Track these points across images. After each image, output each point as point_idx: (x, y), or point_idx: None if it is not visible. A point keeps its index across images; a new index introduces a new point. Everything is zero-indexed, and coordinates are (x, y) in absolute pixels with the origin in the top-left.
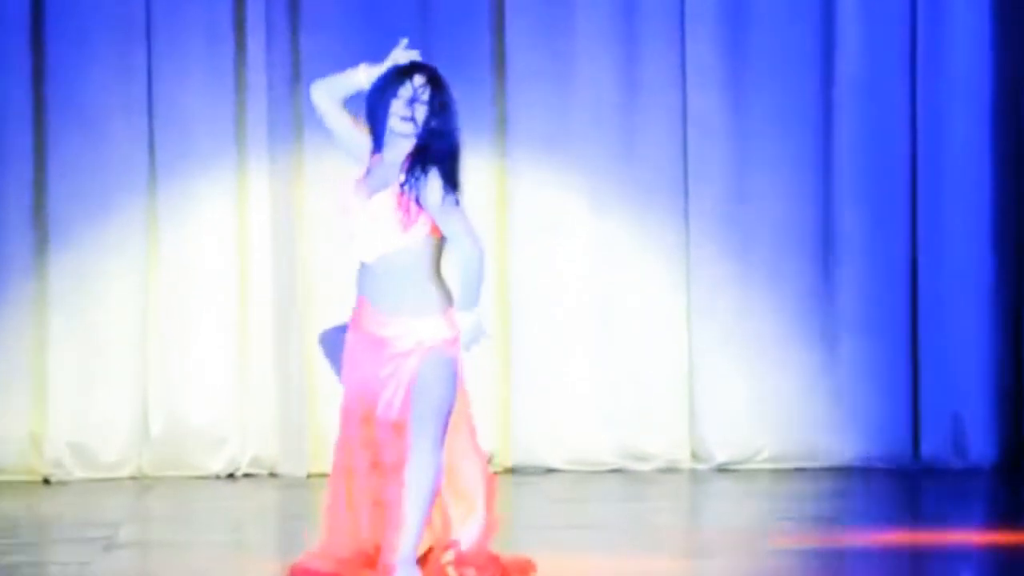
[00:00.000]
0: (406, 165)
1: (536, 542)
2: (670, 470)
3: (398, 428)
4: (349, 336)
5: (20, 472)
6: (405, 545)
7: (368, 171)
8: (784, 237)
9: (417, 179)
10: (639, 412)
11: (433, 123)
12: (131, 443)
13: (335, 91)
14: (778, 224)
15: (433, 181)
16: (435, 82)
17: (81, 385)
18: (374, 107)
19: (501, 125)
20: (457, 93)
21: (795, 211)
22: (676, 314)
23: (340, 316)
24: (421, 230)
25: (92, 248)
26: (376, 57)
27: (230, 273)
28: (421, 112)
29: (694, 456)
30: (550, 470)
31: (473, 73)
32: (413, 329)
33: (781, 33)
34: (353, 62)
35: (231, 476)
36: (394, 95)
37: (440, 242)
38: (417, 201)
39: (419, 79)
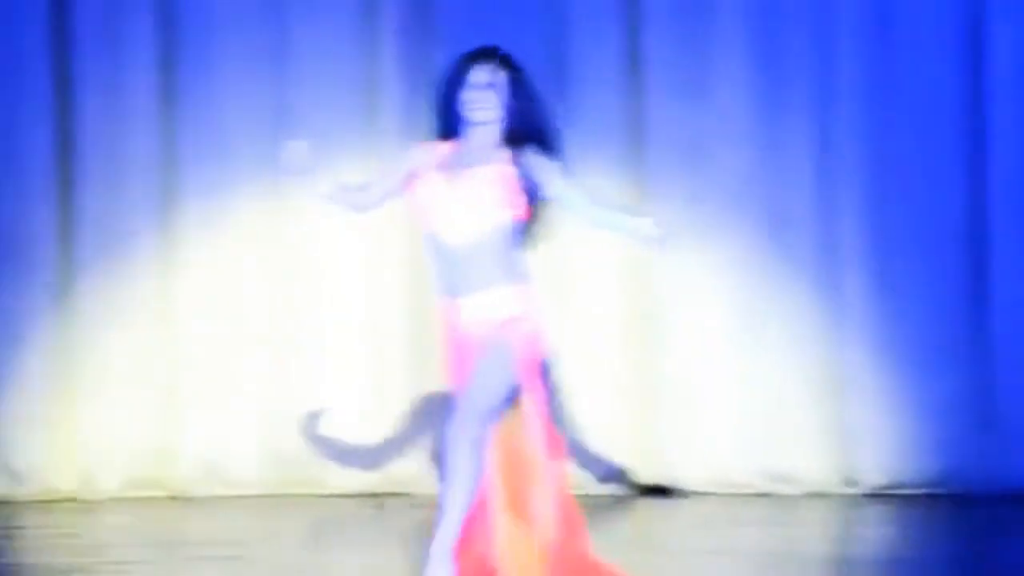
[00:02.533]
0: (506, 147)
1: (676, 568)
2: (818, 495)
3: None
4: (449, 344)
5: (151, 488)
6: (442, 538)
7: (445, 162)
8: (932, 245)
9: (526, 157)
10: (785, 433)
11: (514, 105)
12: (263, 460)
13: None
14: (925, 233)
15: (543, 159)
16: (505, 63)
17: (213, 401)
18: (446, 98)
19: (638, 137)
20: (592, 102)
21: (942, 218)
22: (823, 329)
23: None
24: (515, 209)
25: (221, 261)
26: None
27: (362, 285)
28: (495, 97)
29: (844, 480)
30: (692, 492)
31: (609, 82)
32: (494, 306)
33: (924, 43)
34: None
35: (365, 495)
36: (464, 84)
37: (514, 225)
38: (525, 180)
39: (485, 64)
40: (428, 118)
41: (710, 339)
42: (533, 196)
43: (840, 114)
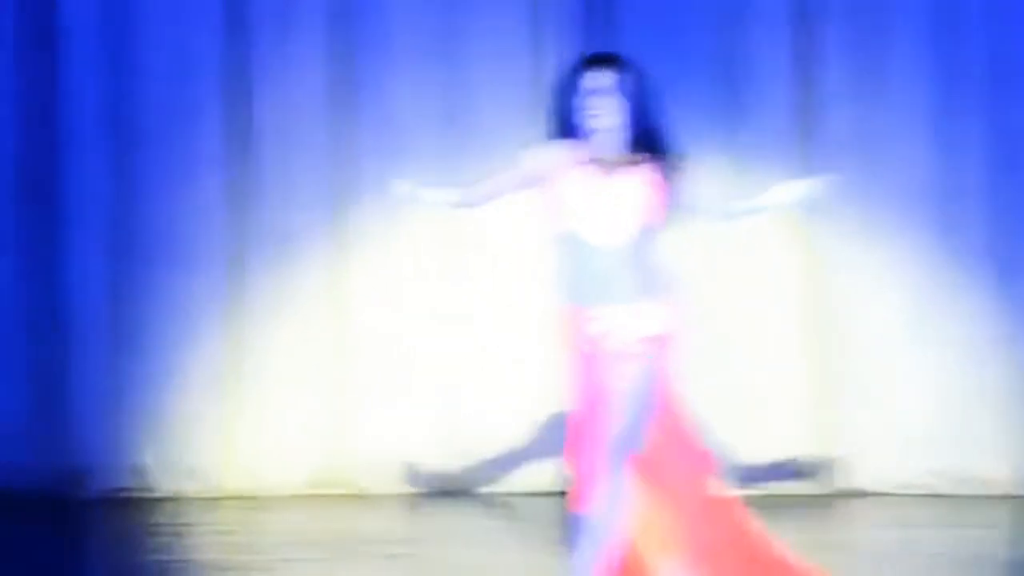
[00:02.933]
0: (637, 152)
1: (857, 568)
2: (999, 496)
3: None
4: (576, 358)
5: (324, 485)
6: (583, 556)
7: (585, 163)
8: None
9: (671, 165)
10: (964, 434)
11: (632, 109)
12: (434, 457)
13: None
14: None
15: (687, 168)
16: (617, 67)
17: (386, 399)
18: (562, 108)
19: (808, 134)
20: (764, 99)
21: None
22: (1001, 328)
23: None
24: (657, 216)
25: (394, 259)
26: (678, 69)
27: (538, 282)
28: (608, 103)
29: None
30: (871, 493)
31: (780, 78)
32: (636, 319)
33: None
34: (655, 76)
35: (543, 494)
36: (579, 91)
37: (656, 232)
38: (667, 186)
39: (599, 69)
40: (545, 123)
41: (887, 339)
42: (670, 205)
43: (1018, 110)
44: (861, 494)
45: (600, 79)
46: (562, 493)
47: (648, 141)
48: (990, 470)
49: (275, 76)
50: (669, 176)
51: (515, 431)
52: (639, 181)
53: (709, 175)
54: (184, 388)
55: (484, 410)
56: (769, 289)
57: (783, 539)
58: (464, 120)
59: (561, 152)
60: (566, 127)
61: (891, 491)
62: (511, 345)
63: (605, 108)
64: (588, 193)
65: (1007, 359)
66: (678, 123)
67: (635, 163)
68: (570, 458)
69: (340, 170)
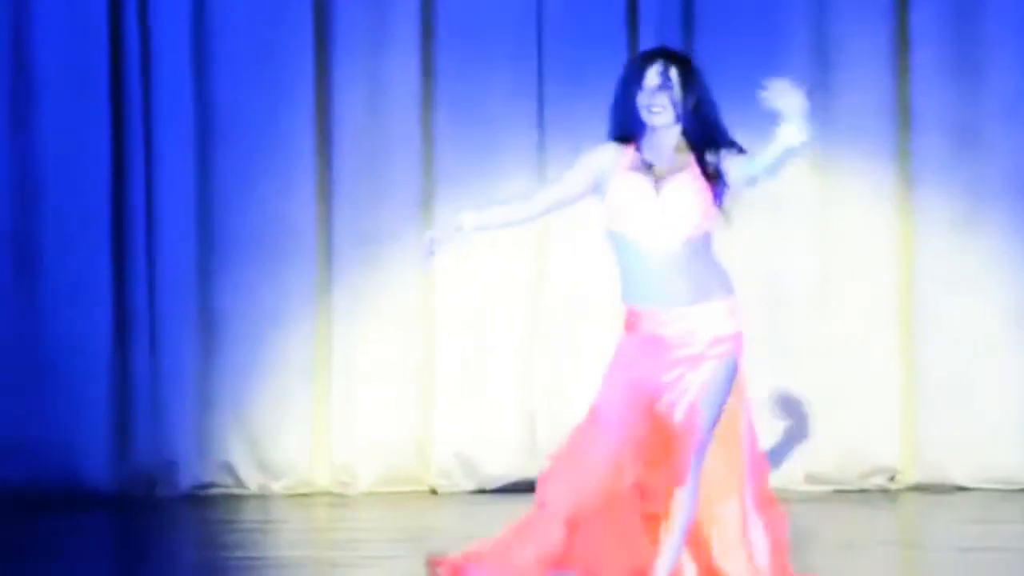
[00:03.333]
0: (690, 150)
1: (945, 564)
2: None
3: (680, 436)
4: (622, 342)
5: (408, 482)
6: (660, 572)
7: (637, 164)
8: None
9: (712, 159)
10: None
11: (690, 104)
12: (518, 454)
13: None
14: None
15: (724, 154)
16: (677, 62)
17: (468, 394)
18: (623, 101)
19: (905, 121)
20: (858, 85)
21: None
22: None
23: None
24: (712, 217)
25: (479, 257)
26: (770, 56)
27: (612, 287)
28: (668, 99)
29: None
30: (959, 488)
31: (875, 64)
32: (699, 322)
33: None
34: (744, 60)
35: None
36: (639, 87)
37: (712, 232)
38: (717, 182)
39: (659, 65)
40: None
41: (980, 331)
42: (722, 201)
43: None
44: (949, 489)
45: (656, 75)
46: None
47: (706, 139)
48: None
49: (364, 76)
50: (716, 173)
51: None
52: (693, 185)
53: (801, 166)
54: (272, 384)
55: (570, 407)
56: (863, 280)
57: (864, 534)
58: (554, 122)
59: (608, 155)
60: (626, 122)
61: (979, 486)
62: (585, 348)
63: (662, 104)
64: (642, 197)
65: None
66: (768, 112)
67: (686, 165)
68: (583, 449)
69: (427, 170)
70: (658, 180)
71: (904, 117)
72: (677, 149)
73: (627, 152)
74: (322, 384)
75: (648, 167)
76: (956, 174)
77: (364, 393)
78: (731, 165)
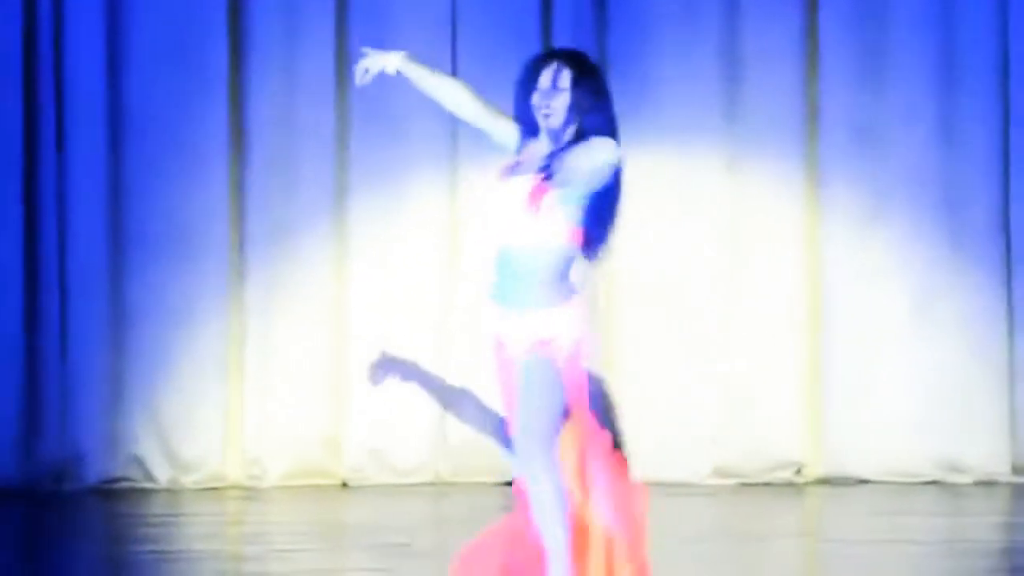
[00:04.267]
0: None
1: (848, 557)
2: (989, 483)
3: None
4: (495, 355)
5: (319, 476)
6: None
7: (516, 163)
8: None
9: (556, 162)
10: (956, 420)
11: (583, 107)
12: (429, 448)
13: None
14: None
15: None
16: (575, 65)
17: (380, 390)
18: (519, 102)
19: (813, 117)
20: (767, 85)
21: None
22: (996, 315)
23: (645, 320)
24: (555, 228)
25: (391, 252)
26: (681, 56)
27: None
28: (561, 101)
29: (1015, 469)
30: (862, 481)
31: (784, 64)
32: (527, 324)
33: None
34: (658, 60)
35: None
36: (534, 88)
37: (571, 253)
38: (553, 188)
39: (554, 66)
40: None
41: (884, 326)
42: (596, 208)
43: (1019, 95)
44: (857, 481)
45: (549, 77)
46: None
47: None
48: (988, 457)
49: (275, 69)
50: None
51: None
52: (527, 185)
53: (709, 166)
54: (184, 379)
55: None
56: (771, 276)
57: (767, 527)
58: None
59: (512, 133)
60: (524, 123)
61: (887, 479)
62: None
63: (553, 106)
64: (502, 198)
65: (1000, 344)
66: (681, 112)
67: (550, 167)
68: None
69: (340, 163)
70: (520, 180)
71: (812, 117)
72: (543, 157)
73: (512, 156)
74: (234, 378)
75: (516, 168)
76: (861, 172)
77: (276, 387)
78: (568, 163)
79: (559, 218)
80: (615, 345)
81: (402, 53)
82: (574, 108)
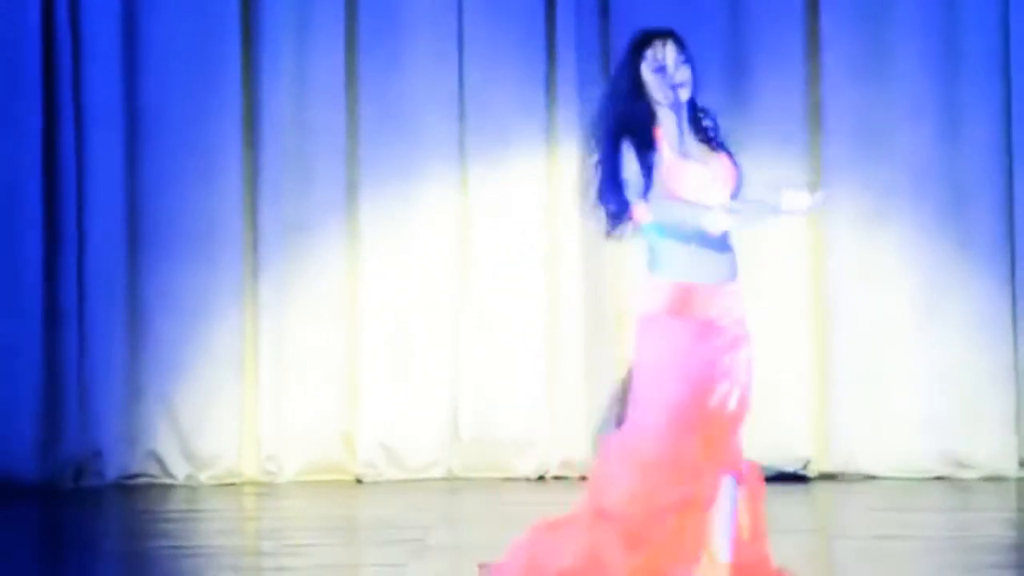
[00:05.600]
0: (709, 127)
1: (855, 552)
2: (996, 479)
3: (733, 423)
4: (671, 327)
5: (334, 472)
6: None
7: (675, 144)
8: None
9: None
10: (963, 417)
11: (692, 80)
12: (441, 444)
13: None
14: None
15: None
16: (677, 40)
17: (393, 386)
18: (632, 86)
19: (816, 116)
20: (770, 85)
21: None
22: (1002, 311)
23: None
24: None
25: (403, 249)
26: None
27: (540, 274)
28: (682, 75)
29: (1022, 464)
30: (870, 477)
31: (786, 64)
32: (736, 299)
33: None
34: None
35: (540, 478)
36: (649, 69)
37: None
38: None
39: (661, 44)
40: (602, 103)
41: (889, 323)
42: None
43: (1022, 92)
44: (864, 477)
45: (673, 51)
46: (574, 477)
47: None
48: (995, 453)
49: (287, 70)
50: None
51: (515, 419)
52: (724, 162)
53: None
54: (200, 375)
55: (492, 398)
56: (776, 274)
57: (776, 523)
58: (474, 113)
59: (657, 144)
60: (634, 101)
61: (894, 474)
62: (514, 337)
63: (671, 83)
64: (701, 181)
65: (1006, 342)
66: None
67: (720, 148)
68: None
69: (352, 162)
70: (706, 160)
71: (815, 117)
72: (700, 131)
73: (662, 133)
74: (249, 375)
75: (683, 147)
76: (865, 173)
77: (290, 383)
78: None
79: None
80: (624, 345)
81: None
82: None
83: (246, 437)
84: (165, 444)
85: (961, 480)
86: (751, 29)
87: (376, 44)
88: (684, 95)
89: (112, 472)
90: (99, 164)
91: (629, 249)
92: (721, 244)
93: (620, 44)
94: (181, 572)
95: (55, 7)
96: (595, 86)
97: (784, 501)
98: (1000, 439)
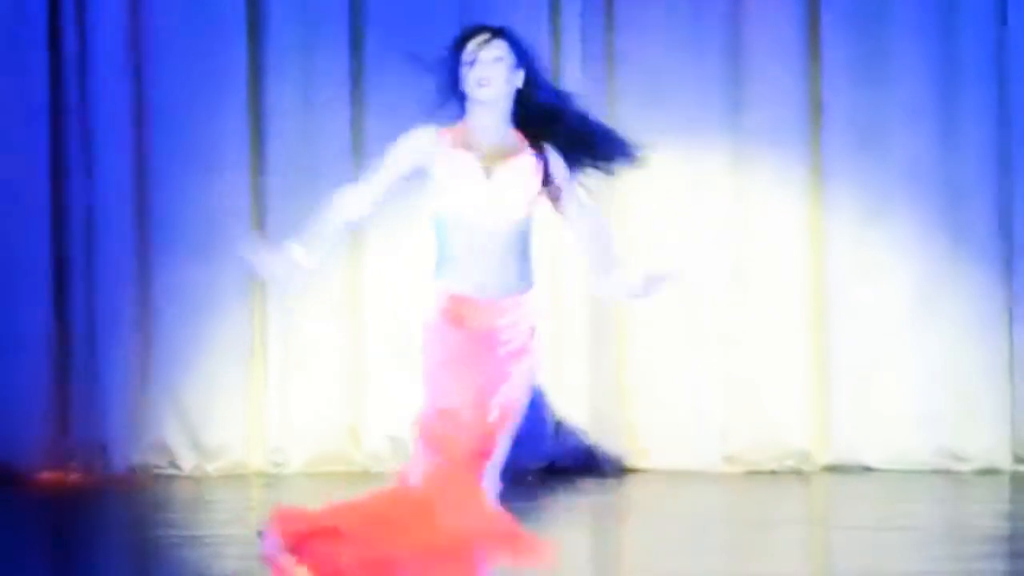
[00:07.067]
0: (524, 133)
1: (853, 542)
2: (990, 472)
3: (490, 432)
4: (447, 335)
5: (340, 463)
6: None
7: (465, 143)
8: None
9: (543, 149)
10: (958, 411)
11: (517, 82)
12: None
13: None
14: None
15: (566, 172)
16: (504, 36)
17: (398, 378)
18: (447, 75)
19: (816, 114)
20: (770, 82)
21: None
22: (997, 307)
23: (655, 315)
24: (536, 204)
25: (406, 242)
26: (686, 53)
27: (543, 270)
28: (497, 71)
29: (1015, 457)
30: (867, 469)
31: (786, 62)
32: (524, 310)
33: None
34: (663, 59)
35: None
36: (462, 61)
37: (532, 219)
38: (545, 171)
39: (483, 38)
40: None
41: (888, 318)
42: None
43: (1018, 93)
44: (862, 469)
45: (484, 49)
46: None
47: (538, 120)
48: (989, 447)
49: (293, 72)
50: (552, 173)
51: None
52: (529, 169)
53: (716, 159)
54: (207, 368)
55: None
56: (776, 269)
57: (771, 513)
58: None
59: (433, 136)
60: (450, 96)
61: (891, 467)
62: None
63: (490, 79)
64: (477, 177)
65: (1001, 337)
66: (686, 111)
67: (521, 149)
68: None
69: (356, 160)
70: (488, 159)
71: (815, 114)
72: (510, 131)
73: (447, 131)
74: (256, 368)
75: (473, 146)
76: (864, 168)
77: (297, 376)
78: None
79: (534, 198)
80: (626, 339)
81: (295, 248)
82: (512, 83)
83: (253, 429)
84: (173, 436)
85: (956, 473)
86: (752, 27)
87: (381, 44)
88: (483, 94)
89: (120, 463)
90: (107, 161)
91: (635, 243)
92: (503, 253)
93: (625, 44)
94: (188, 562)
95: (62, 7)
96: (600, 85)
97: (783, 493)
98: (994, 433)
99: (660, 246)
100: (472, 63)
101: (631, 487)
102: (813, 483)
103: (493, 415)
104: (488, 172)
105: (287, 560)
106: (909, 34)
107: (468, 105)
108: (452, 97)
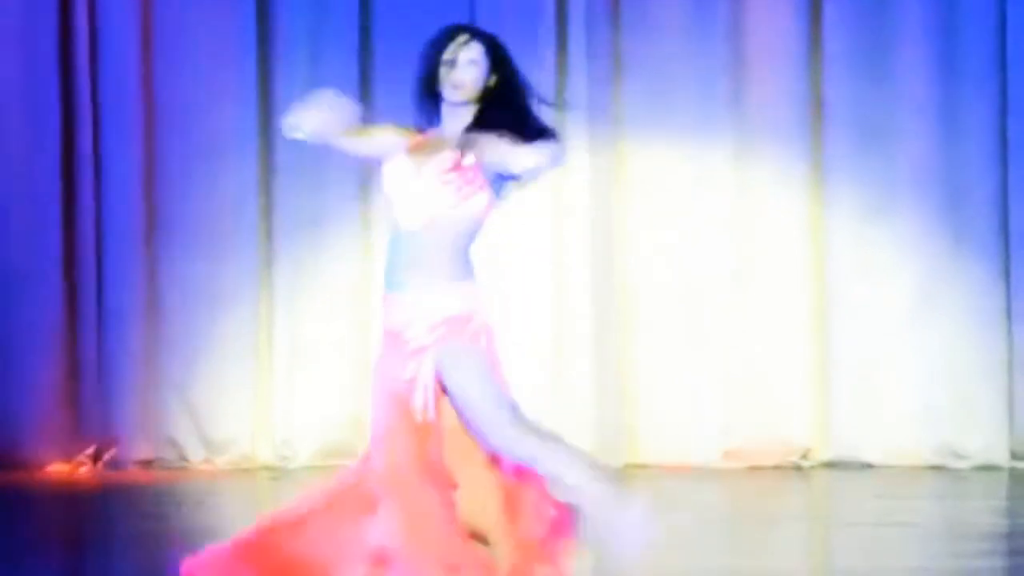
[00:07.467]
0: (477, 131)
1: (852, 538)
2: (988, 468)
3: (439, 432)
4: (382, 337)
5: (346, 457)
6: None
7: (416, 145)
8: None
9: (476, 141)
10: (957, 408)
11: (491, 83)
12: None
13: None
14: None
15: (500, 140)
16: (483, 39)
17: None
18: (423, 77)
19: (817, 111)
20: (772, 80)
21: None
22: (996, 305)
23: (656, 310)
24: (474, 204)
25: None
26: (689, 50)
27: (548, 268)
28: (470, 74)
29: (1013, 454)
30: (867, 465)
31: (788, 59)
32: (423, 308)
33: None
34: (667, 58)
35: None
36: (440, 62)
37: (477, 225)
38: (488, 169)
39: (462, 38)
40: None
41: (888, 315)
42: (500, 187)
43: (1020, 91)
44: (861, 466)
45: (458, 50)
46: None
47: (501, 120)
48: (988, 444)
49: (301, 67)
50: (484, 159)
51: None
52: (447, 162)
53: (717, 155)
54: (215, 364)
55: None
56: (777, 266)
57: (774, 509)
58: None
59: (395, 137)
60: (428, 98)
61: (890, 463)
62: (521, 328)
63: (459, 79)
64: (404, 177)
65: (1001, 334)
66: (689, 108)
67: (460, 145)
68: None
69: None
70: (423, 160)
71: (816, 110)
72: (465, 131)
73: (416, 138)
74: (264, 362)
75: (422, 147)
76: (866, 165)
77: (304, 370)
78: (488, 149)
79: (461, 193)
80: (628, 335)
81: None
82: (483, 85)
83: (261, 423)
84: (181, 429)
85: (955, 469)
86: (754, 25)
87: (389, 44)
88: (455, 95)
89: (129, 457)
90: (117, 158)
91: (639, 243)
92: (410, 250)
93: (631, 44)
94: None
95: (73, 6)
96: (606, 87)
97: (784, 489)
98: (993, 430)
99: (662, 243)
100: (452, 63)
101: (631, 483)
102: (813, 479)
103: (431, 414)
104: (418, 169)
105: None
106: (911, 31)
107: (443, 106)
108: (426, 96)
